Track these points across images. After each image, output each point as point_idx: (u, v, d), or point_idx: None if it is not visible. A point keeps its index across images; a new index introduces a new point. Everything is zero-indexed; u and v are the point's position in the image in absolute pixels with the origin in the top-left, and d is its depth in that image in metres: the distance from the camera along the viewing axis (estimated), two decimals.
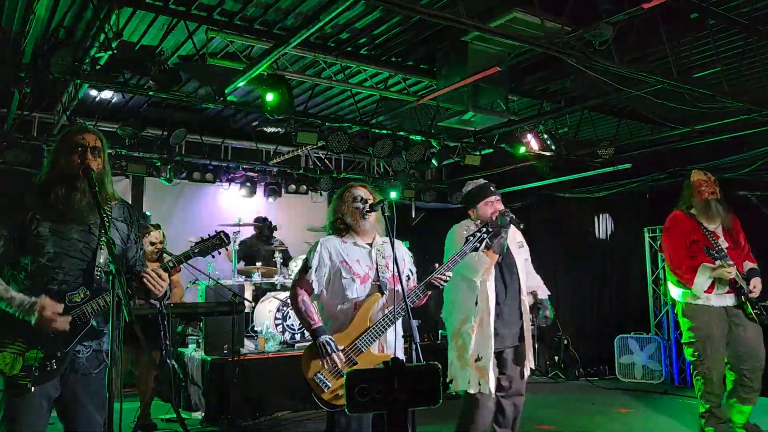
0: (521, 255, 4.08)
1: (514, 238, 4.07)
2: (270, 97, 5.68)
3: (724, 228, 4.67)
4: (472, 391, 3.76)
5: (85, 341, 2.54)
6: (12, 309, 2.38)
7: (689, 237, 4.61)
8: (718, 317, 4.53)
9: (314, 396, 3.08)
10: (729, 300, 4.55)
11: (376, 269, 3.28)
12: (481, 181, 4.14)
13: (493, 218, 3.86)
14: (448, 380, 3.91)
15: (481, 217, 3.97)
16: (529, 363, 3.98)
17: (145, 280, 2.61)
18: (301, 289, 3.27)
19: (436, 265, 3.36)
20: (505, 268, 3.95)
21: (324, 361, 3.08)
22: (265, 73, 5.59)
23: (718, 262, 4.44)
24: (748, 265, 4.68)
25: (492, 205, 3.97)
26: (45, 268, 2.48)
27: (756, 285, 4.55)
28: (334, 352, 3.07)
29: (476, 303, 3.82)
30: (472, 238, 3.42)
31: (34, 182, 2.64)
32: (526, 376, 3.98)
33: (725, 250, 4.54)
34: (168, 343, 4.22)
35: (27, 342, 2.42)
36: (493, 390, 3.76)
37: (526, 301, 4.00)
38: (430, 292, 3.31)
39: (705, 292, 4.52)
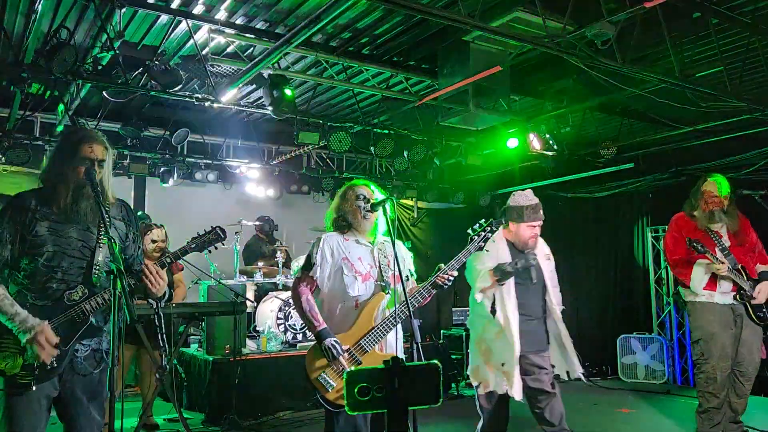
0: (548, 267, 4.14)
1: (542, 250, 4.14)
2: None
3: (729, 229, 4.58)
4: (500, 392, 3.81)
5: (84, 340, 2.54)
6: (12, 324, 2.37)
7: (689, 236, 4.51)
8: (723, 315, 4.46)
9: (318, 396, 3.07)
10: (733, 298, 4.48)
11: (379, 268, 3.26)
12: (534, 200, 4.01)
13: (530, 243, 3.94)
14: (475, 384, 3.96)
15: (519, 236, 3.97)
16: (572, 368, 4.12)
17: (143, 276, 2.58)
18: (305, 287, 3.24)
19: (442, 265, 3.33)
20: (524, 276, 3.95)
21: (329, 362, 3.07)
22: (267, 73, 5.60)
23: (710, 257, 4.37)
24: (760, 267, 4.57)
25: (533, 230, 3.97)
26: (43, 267, 2.48)
27: (762, 290, 4.45)
28: (341, 355, 3.05)
29: (494, 312, 3.83)
30: (477, 237, 3.40)
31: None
32: (549, 379, 4.00)
33: (728, 248, 4.47)
34: (166, 346, 4.21)
35: None
36: (519, 396, 3.75)
37: (557, 309, 4.03)
38: (435, 291, 3.29)
39: (706, 288, 4.46)
